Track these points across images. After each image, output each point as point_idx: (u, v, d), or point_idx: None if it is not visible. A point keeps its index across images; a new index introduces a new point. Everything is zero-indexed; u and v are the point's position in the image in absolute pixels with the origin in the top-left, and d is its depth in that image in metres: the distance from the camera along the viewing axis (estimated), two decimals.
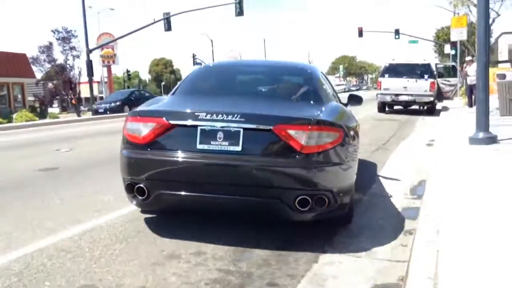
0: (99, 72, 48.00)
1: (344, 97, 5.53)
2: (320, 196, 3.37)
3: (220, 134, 3.42)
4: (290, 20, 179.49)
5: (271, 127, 3.35)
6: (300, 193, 3.32)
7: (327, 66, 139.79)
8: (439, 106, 19.44)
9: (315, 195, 3.35)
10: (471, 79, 16.92)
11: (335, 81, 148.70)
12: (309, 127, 3.35)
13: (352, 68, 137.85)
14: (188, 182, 3.49)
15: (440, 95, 17.97)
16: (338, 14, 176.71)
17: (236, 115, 3.40)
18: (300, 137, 3.34)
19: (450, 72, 18.52)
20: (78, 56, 33.86)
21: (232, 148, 3.40)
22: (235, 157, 3.39)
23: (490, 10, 20.47)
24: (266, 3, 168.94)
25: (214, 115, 3.43)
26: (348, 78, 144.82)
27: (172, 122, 3.52)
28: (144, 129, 3.57)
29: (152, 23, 34.06)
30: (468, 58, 18.62)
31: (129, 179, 3.63)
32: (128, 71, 44.88)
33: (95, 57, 42.80)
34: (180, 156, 3.45)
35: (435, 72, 17.83)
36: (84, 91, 40.23)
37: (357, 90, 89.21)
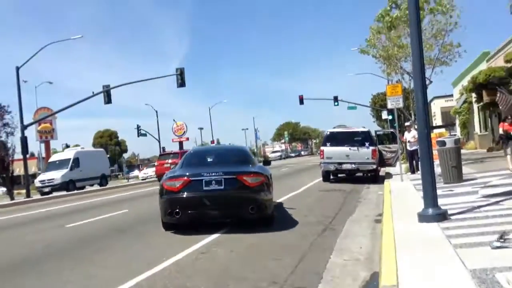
0: (37, 148, 45.82)
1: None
2: (259, 204, 7.93)
3: (213, 182, 7.80)
4: (233, 87, 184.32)
5: (236, 176, 7.92)
6: (251, 205, 7.83)
7: (272, 132, 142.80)
8: (382, 172, 19.46)
9: (258, 204, 7.90)
10: (411, 145, 17.13)
11: (282, 146, 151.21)
12: (251, 175, 8.06)
13: (297, 134, 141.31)
14: (200, 206, 7.86)
15: (382, 161, 17.96)
16: (280, 82, 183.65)
17: (219, 172, 7.88)
18: (248, 179, 7.91)
19: (390, 138, 18.75)
20: (12, 133, 31.75)
21: (219, 187, 7.78)
22: (222, 192, 7.78)
23: (429, 79, 21.40)
24: (207, 71, 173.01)
25: (210, 173, 7.91)
26: (293, 144, 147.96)
27: (191, 178, 7.95)
28: (177, 183, 7.93)
29: (91, 96, 33.01)
30: (407, 124, 18.99)
31: (170, 208, 7.91)
32: (67, 145, 42.92)
33: (32, 132, 40.92)
34: (196, 194, 7.83)
35: (375, 139, 17.92)
36: (21, 169, 37.90)
37: (296, 156, 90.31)
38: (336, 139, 17.09)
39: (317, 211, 10.05)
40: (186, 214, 7.78)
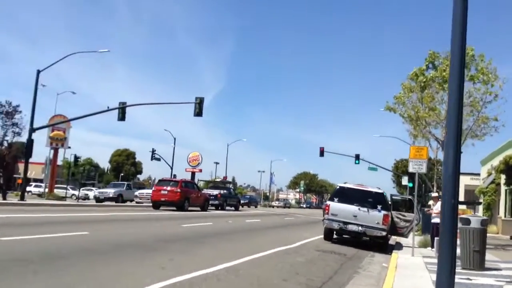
0: (46, 154, 45.17)
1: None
2: None
3: None
4: (255, 126, 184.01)
5: None
6: None
7: (288, 179, 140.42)
8: (391, 241, 17.42)
9: None
10: (436, 218, 15.19)
11: (296, 195, 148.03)
12: None
13: (313, 186, 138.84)
14: None
15: (394, 229, 15.98)
16: (302, 132, 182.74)
17: None
18: None
19: (407, 205, 16.82)
20: (19, 134, 31.00)
21: None
22: None
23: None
24: (234, 111, 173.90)
25: None
26: (308, 194, 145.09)
27: None
28: None
29: (105, 111, 32.42)
30: (434, 195, 17.08)
31: None
32: (76, 157, 41.92)
33: (43, 137, 40.22)
34: None
35: (389, 204, 16.03)
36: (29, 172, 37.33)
37: (307, 207, 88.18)
38: (346, 195, 15.28)
39: (301, 277, 8.19)
40: None
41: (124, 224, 15.80)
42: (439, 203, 15.53)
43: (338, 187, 16.24)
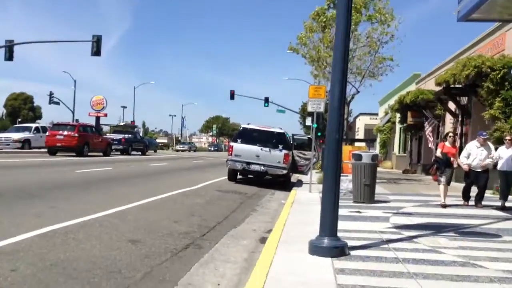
0: None
1: None
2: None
3: None
4: (167, 69, 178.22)
5: None
6: None
7: (200, 124, 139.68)
8: (294, 179, 17.95)
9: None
10: None
11: (209, 139, 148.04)
12: None
13: (225, 129, 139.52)
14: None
15: (295, 168, 16.36)
16: (215, 75, 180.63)
17: None
18: None
19: (306, 144, 17.23)
20: None
21: None
22: None
23: (349, 84, 20.19)
24: (143, 53, 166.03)
25: None
26: (220, 138, 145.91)
27: None
28: None
29: None
30: None
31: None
32: None
33: None
34: None
35: (291, 143, 16.28)
36: None
37: (215, 150, 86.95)
38: (249, 136, 15.21)
39: (196, 218, 7.96)
40: None
41: (8, 170, 14.40)
42: None
43: (241, 128, 16.11)
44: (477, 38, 16.93)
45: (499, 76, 12.94)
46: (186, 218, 7.78)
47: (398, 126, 31.24)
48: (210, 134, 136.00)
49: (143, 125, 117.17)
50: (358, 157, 10.65)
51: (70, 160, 21.45)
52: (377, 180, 18.42)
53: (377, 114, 44.18)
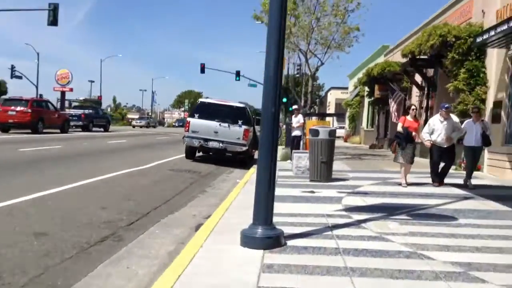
0: None
1: None
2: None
3: None
4: (135, 43, 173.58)
5: None
6: None
7: (172, 99, 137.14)
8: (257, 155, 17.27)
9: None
10: (296, 130, 15.09)
11: (181, 114, 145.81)
12: None
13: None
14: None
15: (257, 144, 15.64)
16: (183, 46, 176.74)
17: None
18: None
19: None
20: None
21: None
22: None
23: (314, 57, 19.48)
24: (111, 25, 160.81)
25: None
26: None
27: None
28: None
29: None
30: (294, 107, 16.91)
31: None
32: None
33: None
34: None
35: (253, 118, 15.55)
36: None
37: (180, 126, 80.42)
38: (207, 111, 14.37)
39: (130, 202, 7.20)
40: None
41: None
42: (300, 116, 15.43)
43: (199, 102, 15.27)
44: (445, 6, 16.31)
45: (465, 45, 12.41)
46: (118, 203, 7.01)
47: (366, 100, 30.83)
48: (183, 109, 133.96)
49: (114, 100, 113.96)
50: (314, 132, 10.02)
51: (20, 137, 20.18)
52: (342, 156, 18.11)
53: (347, 88, 43.79)
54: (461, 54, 12.44)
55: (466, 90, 12.42)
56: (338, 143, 34.98)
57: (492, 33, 10.32)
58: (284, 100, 43.13)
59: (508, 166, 11.45)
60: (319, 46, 18.13)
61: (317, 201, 7.40)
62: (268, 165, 4.74)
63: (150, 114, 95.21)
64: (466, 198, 8.11)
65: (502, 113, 11.85)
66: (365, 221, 5.81)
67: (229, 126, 13.98)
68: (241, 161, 14.69)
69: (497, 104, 12.01)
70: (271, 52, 4.74)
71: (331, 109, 57.21)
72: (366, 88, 27.27)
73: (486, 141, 9.48)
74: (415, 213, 6.60)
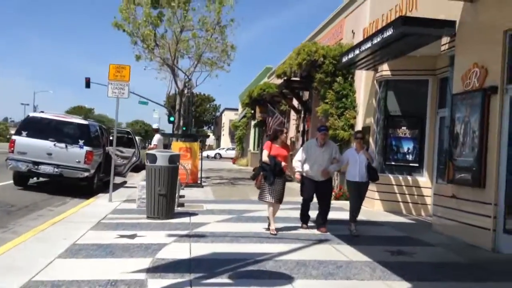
0: None
1: None
2: None
3: None
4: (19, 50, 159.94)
5: None
6: None
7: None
8: (119, 179, 14.84)
9: None
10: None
11: None
12: None
13: None
14: None
15: (109, 169, 13.29)
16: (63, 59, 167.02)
17: None
18: None
19: (126, 140, 14.33)
20: None
21: None
22: None
23: (187, 75, 17.80)
24: None
25: None
26: None
27: None
28: None
29: None
30: (154, 126, 14.89)
31: None
32: None
33: None
34: None
35: (103, 137, 13.21)
36: None
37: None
38: (39, 128, 11.75)
39: None
40: None
41: None
42: (157, 136, 13.49)
43: (28, 116, 12.59)
44: (319, 27, 15.64)
45: (333, 66, 11.48)
46: None
47: (252, 122, 29.89)
48: None
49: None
50: (152, 158, 8.10)
51: None
52: (216, 181, 16.44)
53: (237, 109, 42.98)
54: (329, 75, 11.49)
55: (335, 114, 11.44)
56: (226, 165, 33.74)
57: (357, 51, 9.37)
58: (172, 119, 40.90)
59: (377, 197, 10.52)
60: (187, 59, 16.55)
61: (124, 253, 5.47)
62: None
63: None
64: (320, 241, 6.69)
65: (370, 139, 10.99)
66: None
67: (66, 146, 11.52)
68: (86, 188, 12.19)
69: (366, 129, 11.15)
70: None
71: (225, 130, 56.12)
72: (252, 110, 26.27)
73: (373, 175, 7.54)
74: (245, 269, 4.97)
